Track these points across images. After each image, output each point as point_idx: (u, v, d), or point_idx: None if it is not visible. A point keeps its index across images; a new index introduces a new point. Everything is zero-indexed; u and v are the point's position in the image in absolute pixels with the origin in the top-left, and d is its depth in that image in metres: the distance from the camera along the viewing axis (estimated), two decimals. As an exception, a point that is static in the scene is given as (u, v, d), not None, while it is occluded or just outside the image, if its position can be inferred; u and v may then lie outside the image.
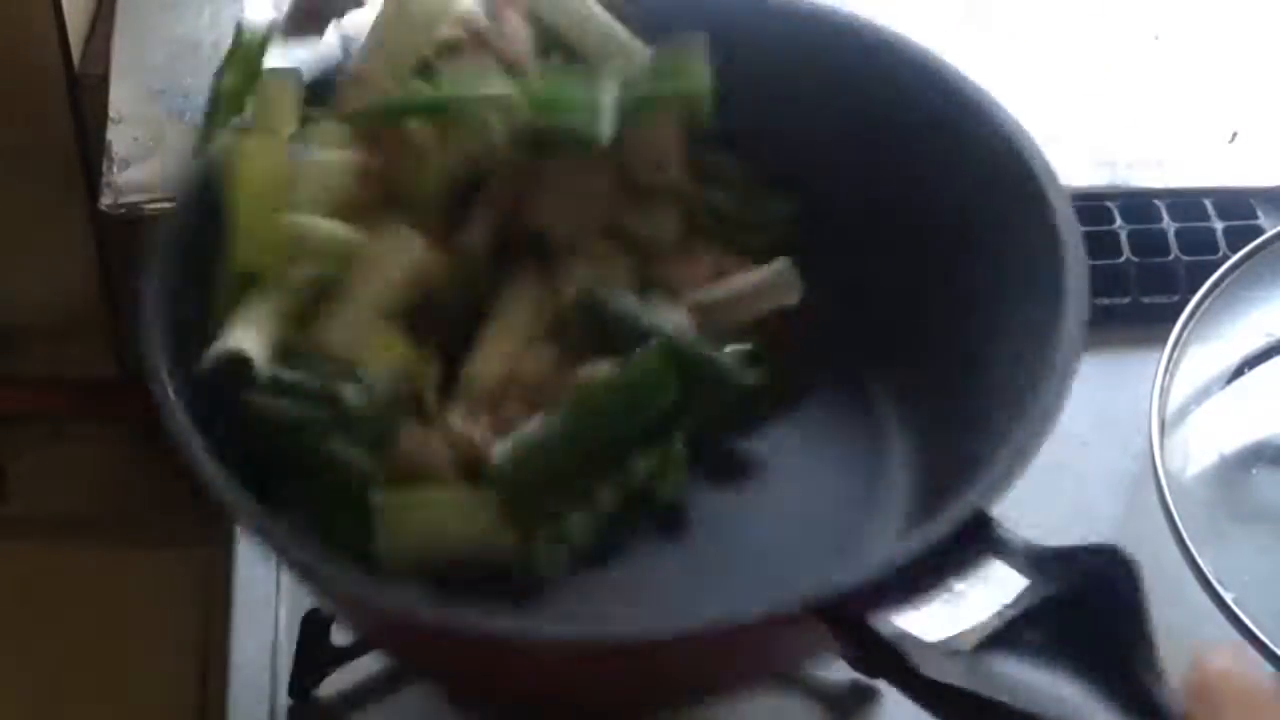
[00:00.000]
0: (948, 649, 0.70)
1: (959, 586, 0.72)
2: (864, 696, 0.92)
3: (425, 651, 0.81)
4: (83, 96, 1.08)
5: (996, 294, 0.88)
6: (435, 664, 0.84)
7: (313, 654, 0.91)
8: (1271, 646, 0.89)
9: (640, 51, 0.88)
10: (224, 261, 0.82)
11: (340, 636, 0.91)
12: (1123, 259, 1.11)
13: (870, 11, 0.95)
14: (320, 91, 0.87)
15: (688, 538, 0.87)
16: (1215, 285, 1.03)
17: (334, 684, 0.91)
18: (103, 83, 1.10)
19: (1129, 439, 1.03)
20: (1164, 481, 0.95)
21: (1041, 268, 0.85)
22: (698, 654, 0.74)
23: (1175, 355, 1.00)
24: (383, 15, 0.86)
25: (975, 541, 0.74)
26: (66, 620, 1.00)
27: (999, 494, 0.76)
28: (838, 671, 0.92)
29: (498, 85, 0.85)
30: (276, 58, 0.97)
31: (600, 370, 0.84)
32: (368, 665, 0.91)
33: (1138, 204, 1.13)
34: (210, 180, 0.83)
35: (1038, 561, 0.73)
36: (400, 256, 0.83)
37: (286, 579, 0.94)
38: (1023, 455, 0.78)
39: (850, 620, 0.72)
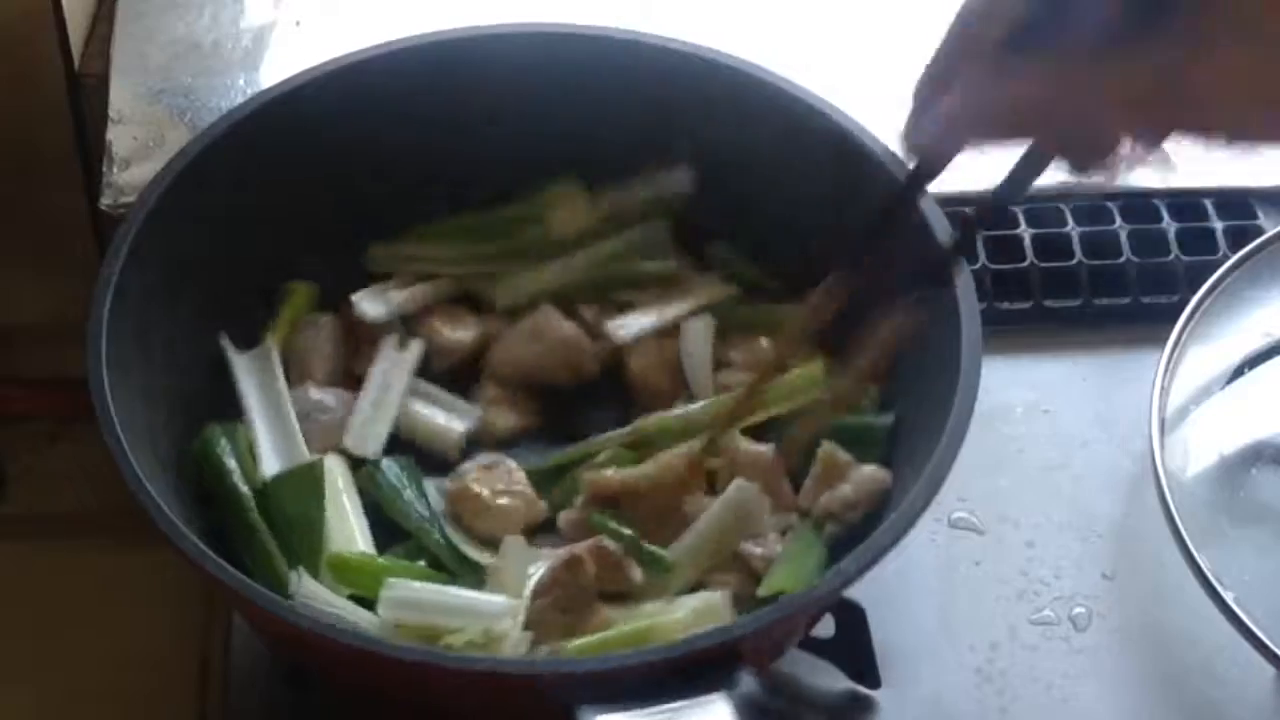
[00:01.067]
0: None
1: (678, 705, 0.75)
2: (859, 706, 0.93)
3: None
4: (83, 96, 1.08)
5: None
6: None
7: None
8: (1271, 646, 0.89)
9: None
10: None
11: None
12: (1123, 259, 1.11)
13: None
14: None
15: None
16: (1215, 285, 1.03)
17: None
18: (103, 83, 1.10)
19: (1129, 439, 1.03)
20: (1164, 481, 0.95)
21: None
22: (438, 684, 0.80)
23: (1175, 355, 1.00)
24: None
25: (717, 670, 0.77)
26: (66, 620, 1.00)
27: (750, 632, 0.79)
28: (831, 680, 0.92)
29: None
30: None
31: None
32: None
33: (1138, 204, 1.13)
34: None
35: (757, 713, 0.76)
36: None
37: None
38: (787, 610, 0.82)
39: (560, 705, 0.76)
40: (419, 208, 1.04)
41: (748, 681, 0.76)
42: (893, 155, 0.93)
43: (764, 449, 0.93)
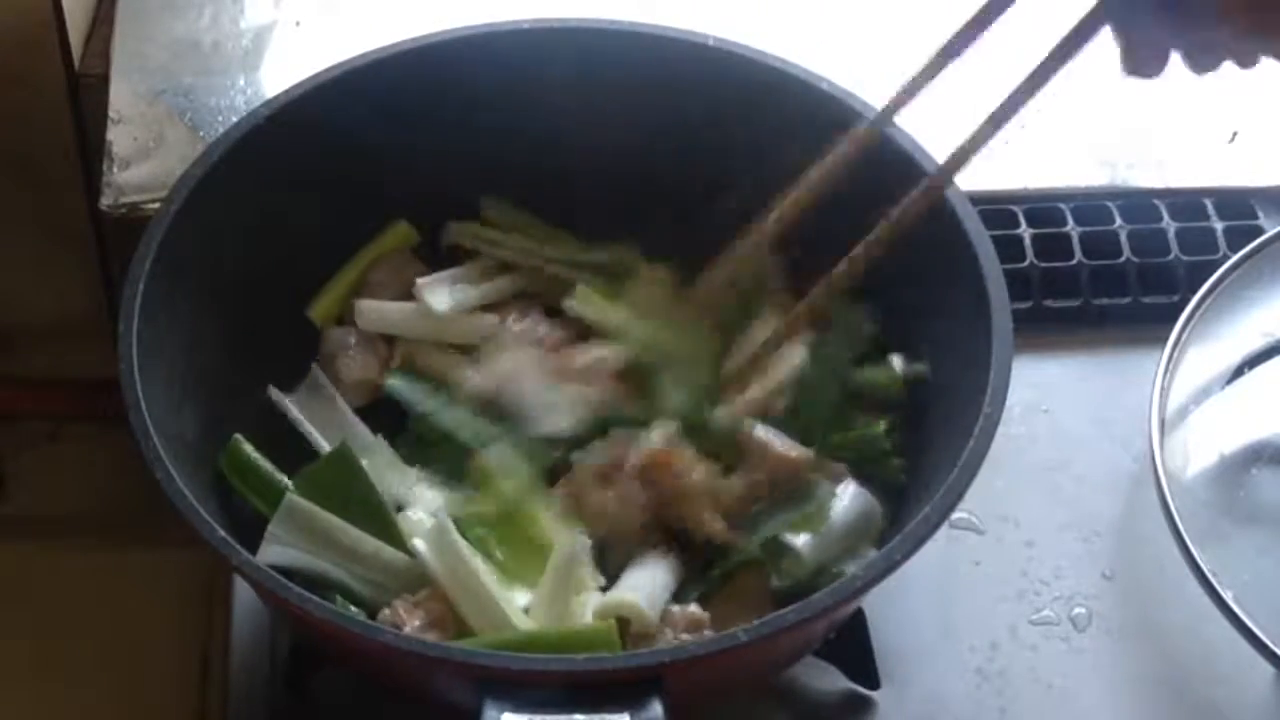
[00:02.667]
0: None
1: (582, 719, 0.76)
2: (859, 706, 0.93)
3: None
4: (83, 96, 1.08)
5: None
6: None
7: (308, 649, 0.92)
8: (1271, 646, 0.89)
9: None
10: None
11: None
12: (1123, 259, 1.11)
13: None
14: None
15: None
16: (1215, 285, 1.03)
17: (330, 679, 0.92)
18: (103, 83, 1.10)
19: (1129, 439, 1.03)
20: (1164, 481, 0.95)
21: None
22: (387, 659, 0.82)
23: (1175, 355, 1.01)
24: None
25: (633, 691, 0.77)
26: (66, 620, 1.00)
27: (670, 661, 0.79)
28: (830, 681, 0.92)
29: None
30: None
31: None
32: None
33: (1138, 204, 1.13)
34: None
35: None
36: None
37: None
38: (705, 651, 0.80)
39: (468, 695, 0.76)
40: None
41: (655, 708, 0.76)
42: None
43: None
